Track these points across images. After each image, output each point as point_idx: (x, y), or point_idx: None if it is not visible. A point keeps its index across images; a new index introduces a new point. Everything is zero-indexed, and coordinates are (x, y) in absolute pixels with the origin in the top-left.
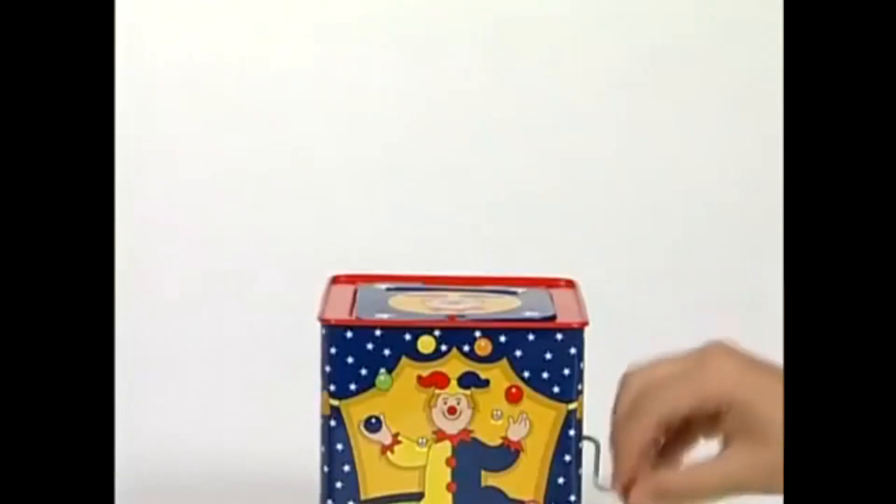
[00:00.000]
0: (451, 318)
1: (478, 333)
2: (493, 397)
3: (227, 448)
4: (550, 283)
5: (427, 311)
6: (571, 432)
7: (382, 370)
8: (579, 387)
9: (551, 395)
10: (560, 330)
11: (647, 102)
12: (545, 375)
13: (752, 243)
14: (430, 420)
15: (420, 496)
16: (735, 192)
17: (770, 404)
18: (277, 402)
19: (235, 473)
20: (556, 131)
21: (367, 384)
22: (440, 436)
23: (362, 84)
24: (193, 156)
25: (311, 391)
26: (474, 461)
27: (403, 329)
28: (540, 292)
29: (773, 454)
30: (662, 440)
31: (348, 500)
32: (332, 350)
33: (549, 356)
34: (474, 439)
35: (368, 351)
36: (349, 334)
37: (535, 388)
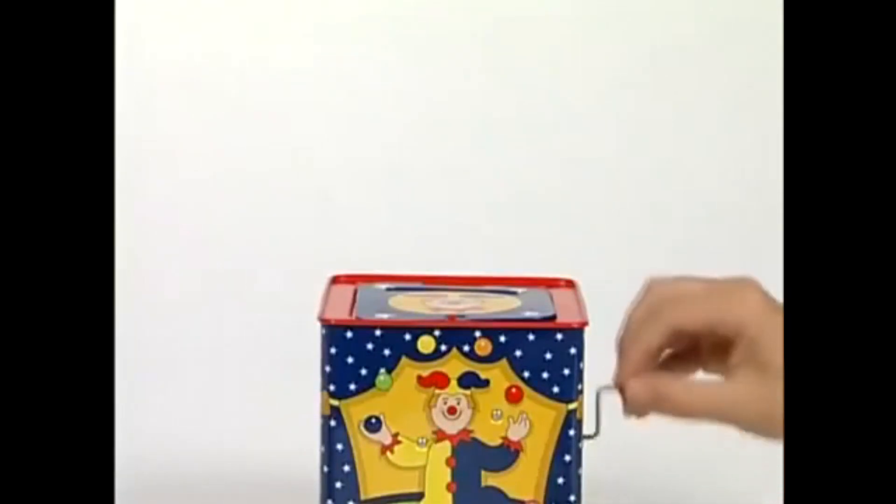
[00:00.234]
0: (451, 318)
1: (478, 333)
2: (493, 397)
3: (227, 448)
4: (550, 283)
5: (427, 311)
6: (571, 432)
7: (382, 370)
8: (579, 387)
9: (551, 395)
10: (560, 330)
11: (647, 102)
12: (545, 375)
13: (752, 243)
14: (430, 420)
15: (420, 496)
16: (735, 192)
17: (782, 346)
18: (277, 402)
19: (235, 473)
20: (556, 131)
21: (367, 384)
22: (440, 436)
23: (362, 84)
24: (193, 156)
25: (311, 391)
26: (474, 461)
27: (403, 329)
28: (540, 292)
29: (773, 393)
30: (669, 352)
31: (348, 500)
32: (332, 350)
33: (549, 356)
34: (474, 439)
35: (368, 351)
36: (349, 334)
37: (535, 388)
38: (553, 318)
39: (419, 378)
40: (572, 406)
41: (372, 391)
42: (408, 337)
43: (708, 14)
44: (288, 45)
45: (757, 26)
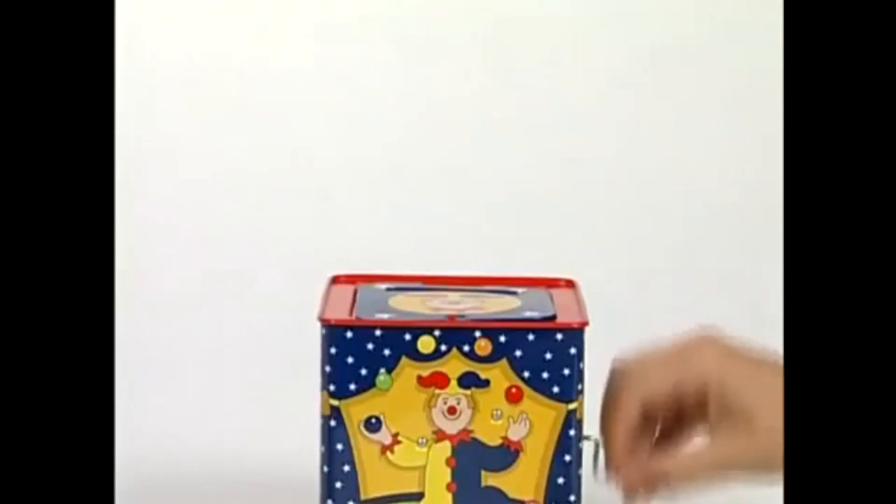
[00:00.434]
0: (451, 318)
1: (478, 333)
2: (493, 397)
3: (227, 448)
4: (550, 283)
5: (427, 311)
6: (571, 432)
7: (382, 370)
8: (579, 387)
9: (551, 395)
10: (560, 330)
11: (647, 102)
12: (545, 375)
13: (752, 243)
14: (430, 420)
15: (420, 496)
16: (735, 192)
17: (752, 391)
18: (277, 402)
19: (235, 473)
20: (556, 131)
21: (367, 384)
22: (440, 436)
23: (362, 84)
24: (193, 156)
25: (311, 391)
26: (474, 461)
27: (403, 329)
28: (540, 292)
29: (757, 441)
30: (657, 430)
31: (348, 500)
32: (332, 350)
33: (549, 356)
34: (474, 439)
35: (368, 351)
36: (349, 334)
37: (535, 388)
38: (553, 318)
39: (419, 378)
40: (572, 406)
41: (372, 391)
42: (408, 337)
43: (708, 14)
44: (288, 45)
45: (757, 26)
